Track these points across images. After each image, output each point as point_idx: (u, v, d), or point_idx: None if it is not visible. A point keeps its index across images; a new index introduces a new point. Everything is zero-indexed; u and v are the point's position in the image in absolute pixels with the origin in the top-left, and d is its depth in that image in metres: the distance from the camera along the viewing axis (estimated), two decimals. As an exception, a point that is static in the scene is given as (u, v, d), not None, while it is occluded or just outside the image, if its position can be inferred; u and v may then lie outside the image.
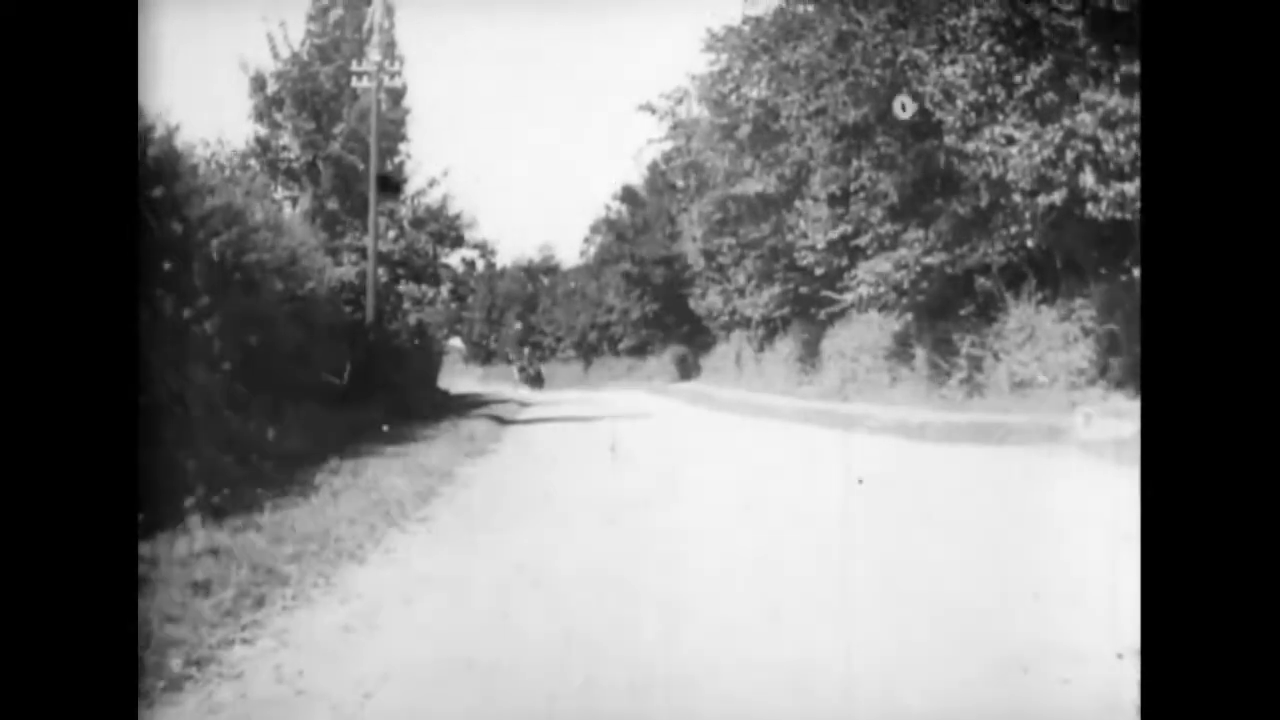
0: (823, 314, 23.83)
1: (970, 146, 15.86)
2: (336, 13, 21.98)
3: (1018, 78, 15.31)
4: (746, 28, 25.01)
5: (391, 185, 21.95)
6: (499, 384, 38.63)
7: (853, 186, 20.22)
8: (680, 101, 29.60)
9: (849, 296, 21.32)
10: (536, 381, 38.31)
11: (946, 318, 18.93)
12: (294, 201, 21.72)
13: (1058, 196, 14.81)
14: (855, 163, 19.65)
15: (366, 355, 19.62)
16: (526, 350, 41.20)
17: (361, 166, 21.39)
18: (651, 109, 30.31)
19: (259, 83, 21.52)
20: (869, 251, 19.97)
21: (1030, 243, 16.40)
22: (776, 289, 26.24)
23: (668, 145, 31.88)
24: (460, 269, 24.26)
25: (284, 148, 21.81)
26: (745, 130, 24.96)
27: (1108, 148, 14.26)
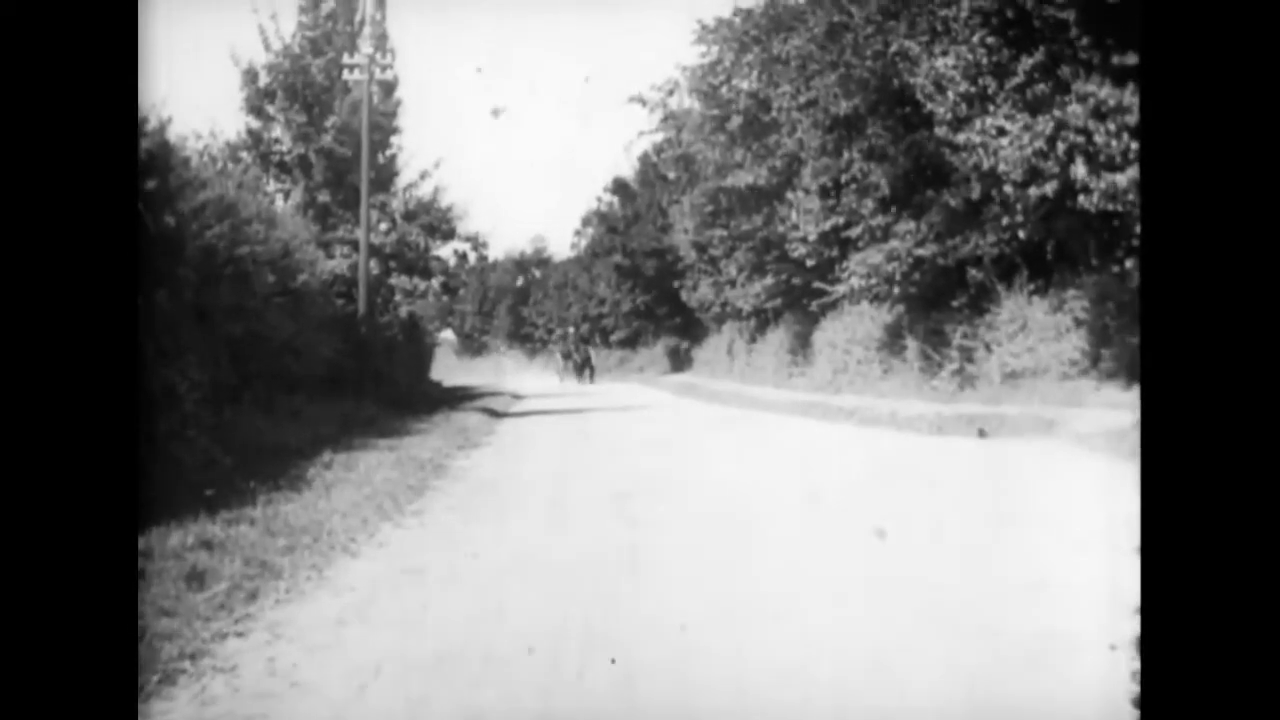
0: (814, 306, 23.86)
1: (961, 138, 15.88)
2: (328, 5, 21.96)
3: (1009, 68, 15.34)
4: (737, 19, 25.04)
5: None
6: (489, 375, 37.42)
7: (844, 178, 20.20)
8: (671, 93, 29.62)
9: (840, 288, 21.33)
10: (583, 370, 33.98)
11: (938, 309, 18.95)
12: (286, 194, 21.70)
13: (1049, 188, 14.83)
14: (846, 154, 19.65)
15: (358, 348, 19.64)
16: (572, 330, 37.23)
17: (353, 159, 21.38)
18: (642, 101, 30.31)
19: (251, 75, 21.49)
20: (860, 243, 19.97)
21: (1022, 234, 16.42)
22: (768, 281, 26.28)
23: (659, 137, 31.93)
24: (452, 261, 24.25)
25: (276, 140, 21.79)
26: (736, 122, 24.98)
27: (1099, 139, 14.26)
